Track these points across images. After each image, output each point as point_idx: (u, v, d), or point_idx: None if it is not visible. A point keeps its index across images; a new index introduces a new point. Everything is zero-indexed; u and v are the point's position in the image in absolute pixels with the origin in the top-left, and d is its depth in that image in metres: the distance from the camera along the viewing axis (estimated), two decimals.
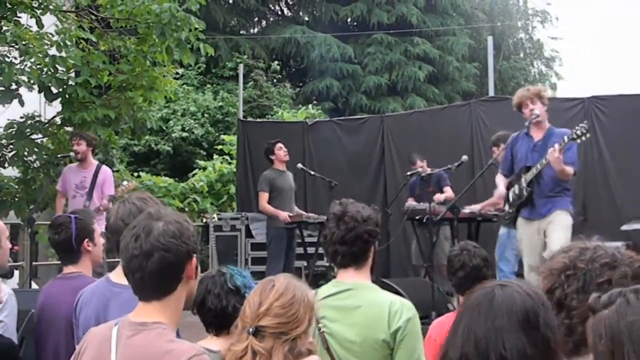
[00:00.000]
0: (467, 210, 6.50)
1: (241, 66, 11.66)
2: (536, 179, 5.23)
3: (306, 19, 20.40)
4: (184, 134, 14.50)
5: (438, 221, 6.25)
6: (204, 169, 13.06)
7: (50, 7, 7.30)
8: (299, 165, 8.01)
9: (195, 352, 1.77)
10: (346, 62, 18.10)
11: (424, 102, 18.04)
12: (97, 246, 3.22)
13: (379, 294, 2.57)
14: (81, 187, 6.83)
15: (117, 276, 2.52)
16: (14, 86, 6.94)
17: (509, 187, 5.51)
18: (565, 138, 4.95)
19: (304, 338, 1.99)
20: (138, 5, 7.20)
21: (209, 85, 16.40)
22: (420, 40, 18.57)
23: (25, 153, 7.49)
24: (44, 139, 7.86)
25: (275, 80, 17.08)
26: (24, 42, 6.91)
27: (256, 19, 20.54)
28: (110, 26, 7.88)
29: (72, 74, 7.59)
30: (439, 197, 7.20)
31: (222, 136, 14.02)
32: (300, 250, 7.71)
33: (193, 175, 13.06)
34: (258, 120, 13.56)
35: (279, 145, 7.59)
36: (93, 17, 7.89)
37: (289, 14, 21.28)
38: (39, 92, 7.23)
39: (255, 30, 20.46)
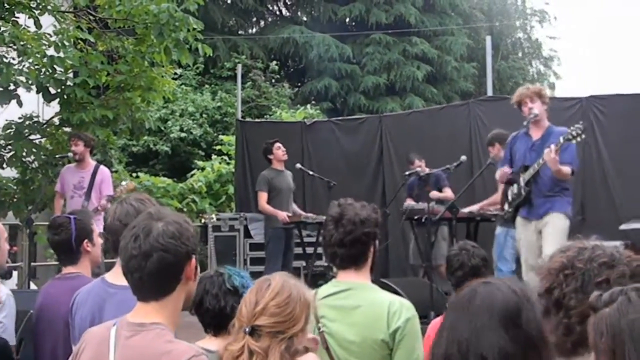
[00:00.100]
0: (466, 210, 6.51)
1: (239, 66, 11.63)
2: (534, 179, 5.23)
3: (304, 19, 20.40)
4: (183, 135, 14.49)
5: (436, 221, 6.26)
6: (203, 169, 13.05)
7: (49, 7, 7.30)
8: (298, 166, 8.01)
9: (193, 352, 1.77)
10: (344, 62, 18.11)
11: (423, 102, 18.05)
12: (96, 247, 3.22)
13: (378, 294, 2.57)
14: (79, 188, 6.84)
15: (113, 277, 2.52)
16: (12, 87, 6.93)
17: (510, 182, 5.50)
18: (561, 139, 4.96)
19: (301, 336, 1.99)
20: (136, 5, 7.19)
21: (207, 86, 16.39)
22: (418, 40, 18.58)
23: (24, 154, 7.48)
24: (42, 140, 7.85)
25: (273, 81, 17.07)
26: (22, 43, 6.90)
27: (254, 19, 20.52)
28: (109, 26, 7.87)
29: (71, 75, 7.58)
30: (434, 194, 7.17)
31: (221, 136, 14.00)
32: (299, 250, 7.71)
33: (191, 175, 13.05)
34: (256, 120, 13.53)
35: (277, 144, 7.59)
36: (91, 17, 7.88)
37: (287, 14, 21.27)
38: (37, 92, 7.23)
39: (254, 30, 20.45)
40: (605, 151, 7.60)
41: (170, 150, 14.54)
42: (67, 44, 7.26)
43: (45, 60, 7.02)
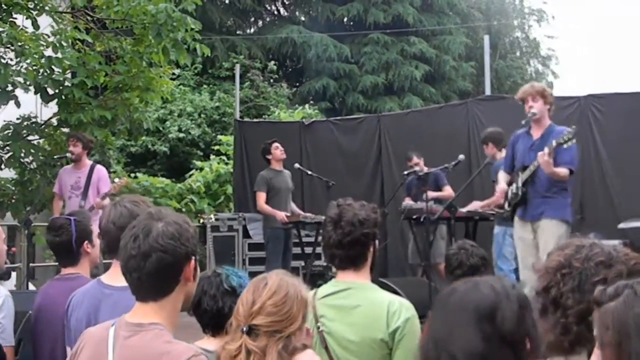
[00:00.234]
0: (467, 209, 6.50)
1: (237, 66, 11.62)
2: (531, 179, 5.22)
3: (302, 18, 20.40)
4: (181, 135, 14.48)
5: (435, 220, 6.26)
6: (201, 169, 13.04)
7: (46, 8, 7.28)
8: (296, 165, 8.01)
9: (192, 353, 1.77)
10: (343, 61, 18.12)
11: (421, 101, 18.06)
12: (95, 247, 3.22)
13: (378, 294, 2.57)
14: (76, 188, 6.85)
15: (109, 278, 2.52)
16: (10, 87, 6.91)
17: (510, 183, 5.51)
18: (554, 142, 4.97)
19: (298, 335, 1.98)
20: (134, 5, 7.19)
21: (205, 86, 16.38)
22: (416, 40, 18.60)
23: (22, 154, 7.46)
24: (41, 140, 7.83)
25: (271, 80, 17.07)
26: (19, 43, 6.89)
27: (252, 19, 20.53)
28: (106, 27, 7.87)
29: (68, 75, 7.57)
30: (431, 193, 7.15)
31: (219, 136, 13.99)
32: (297, 250, 7.70)
33: (190, 175, 13.04)
34: (255, 120, 13.52)
35: (276, 144, 7.58)
36: (89, 17, 7.87)
37: (285, 13, 21.27)
38: (35, 93, 7.21)
39: (252, 30, 20.45)
40: (603, 150, 7.60)
41: (168, 151, 14.53)
42: (64, 44, 7.25)
43: (43, 60, 7.00)
